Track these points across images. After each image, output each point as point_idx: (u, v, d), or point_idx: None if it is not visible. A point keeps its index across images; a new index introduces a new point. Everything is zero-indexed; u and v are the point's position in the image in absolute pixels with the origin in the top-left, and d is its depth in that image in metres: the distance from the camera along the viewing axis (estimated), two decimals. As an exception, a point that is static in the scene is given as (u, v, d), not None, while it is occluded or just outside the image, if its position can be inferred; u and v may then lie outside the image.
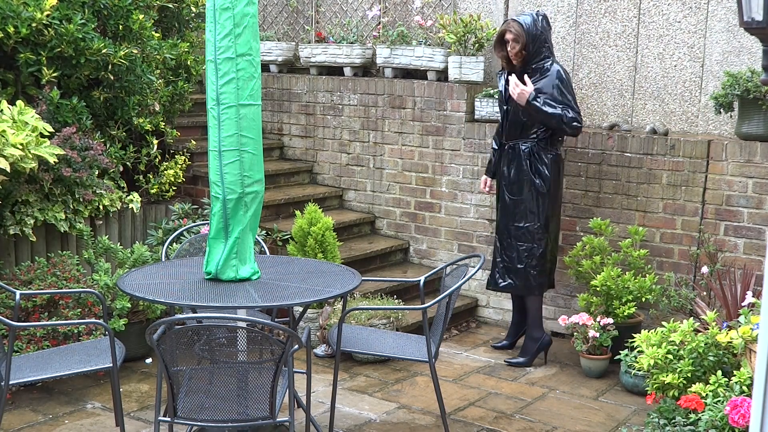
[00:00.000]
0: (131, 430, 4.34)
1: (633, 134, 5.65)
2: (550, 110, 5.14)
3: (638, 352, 4.37)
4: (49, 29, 5.07)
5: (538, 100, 5.14)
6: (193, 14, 6.47)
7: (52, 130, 4.90)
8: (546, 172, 5.31)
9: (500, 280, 5.45)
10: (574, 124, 5.18)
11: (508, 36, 5.25)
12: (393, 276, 6.24)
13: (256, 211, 3.85)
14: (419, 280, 4.53)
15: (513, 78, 5.21)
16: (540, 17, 5.24)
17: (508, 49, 5.27)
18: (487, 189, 5.69)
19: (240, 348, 3.49)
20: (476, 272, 4.14)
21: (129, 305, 4.96)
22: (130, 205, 5.64)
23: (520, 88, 5.15)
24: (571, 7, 6.12)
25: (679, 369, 4.08)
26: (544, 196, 5.31)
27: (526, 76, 5.20)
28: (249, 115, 3.75)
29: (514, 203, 5.35)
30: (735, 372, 3.87)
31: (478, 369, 5.35)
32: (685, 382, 4.05)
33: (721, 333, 4.07)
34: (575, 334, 5.22)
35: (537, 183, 5.29)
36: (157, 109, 5.86)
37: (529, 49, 5.21)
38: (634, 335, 4.37)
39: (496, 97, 5.54)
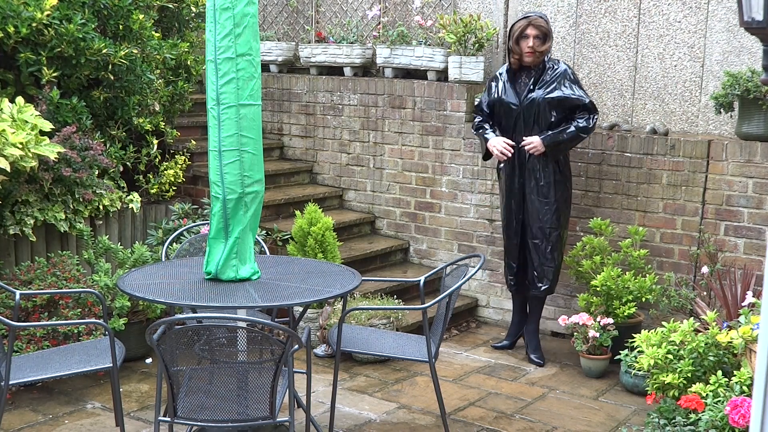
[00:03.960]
0: (131, 430, 4.34)
1: (633, 134, 5.65)
2: (562, 133, 5.17)
3: (638, 352, 4.37)
4: (49, 29, 5.07)
5: (546, 134, 5.18)
6: (193, 14, 6.47)
7: (51, 126, 4.89)
8: (567, 172, 5.40)
9: (539, 284, 5.39)
10: (594, 119, 5.20)
11: (532, 31, 5.19)
12: (393, 276, 6.24)
13: (256, 211, 3.85)
14: (419, 280, 4.53)
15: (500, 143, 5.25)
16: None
17: (529, 44, 5.19)
18: (510, 153, 5.31)
19: (240, 348, 3.49)
20: (476, 272, 4.14)
21: (129, 305, 4.97)
22: (130, 205, 5.64)
23: (530, 146, 5.18)
24: (571, 7, 6.12)
25: (679, 369, 4.08)
26: (569, 196, 5.41)
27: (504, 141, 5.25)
28: (249, 115, 3.75)
29: (544, 205, 5.30)
30: (735, 372, 3.88)
31: (478, 369, 5.35)
32: (685, 382, 4.05)
33: (721, 333, 4.07)
34: (575, 334, 5.22)
35: (565, 184, 5.36)
36: (157, 109, 5.86)
37: (550, 47, 5.26)
38: (634, 335, 4.37)
39: (494, 97, 5.40)
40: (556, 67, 5.26)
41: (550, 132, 5.20)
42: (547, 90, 5.21)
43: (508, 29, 6.39)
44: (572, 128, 5.17)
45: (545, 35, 5.22)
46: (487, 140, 5.37)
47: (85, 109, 5.37)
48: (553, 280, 5.40)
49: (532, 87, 5.26)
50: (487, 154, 5.50)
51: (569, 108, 5.22)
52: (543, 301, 5.52)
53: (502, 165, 5.42)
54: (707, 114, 5.71)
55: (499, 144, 5.31)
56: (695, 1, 5.69)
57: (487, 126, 5.42)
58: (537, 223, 5.33)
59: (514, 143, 5.31)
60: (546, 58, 5.27)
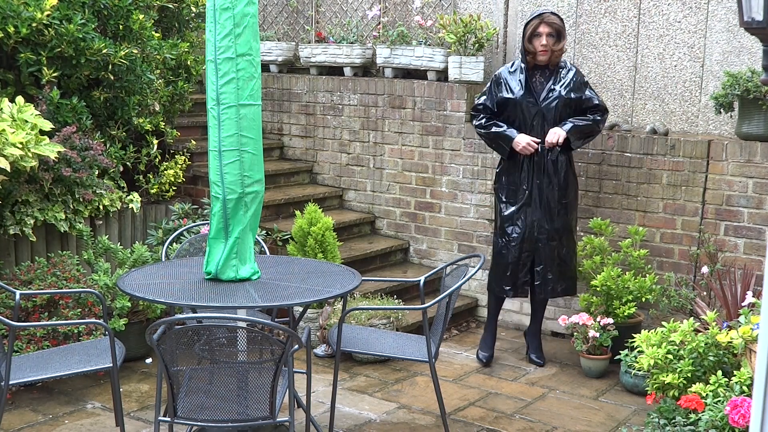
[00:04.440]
0: (131, 430, 4.34)
1: (633, 134, 5.65)
2: (582, 122, 5.18)
3: (638, 352, 4.37)
4: (50, 29, 5.07)
5: (566, 125, 5.15)
6: (193, 14, 6.47)
7: (51, 126, 4.89)
8: (575, 171, 5.39)
9: (558, 287, 5.29)
10: (606, 117, 5.29)
11: (545, 29, 5.05)
12: (393, 276, 6.24)
13: (256, 211, 3.85)
14: (419, 280, 4.53)
15: (526, 139, 5.14)
16: None
17: (542, 42, 5.05)
18: (535, 147, 5.17)
19: (240, 348, 3.49)
20: (476, 272, 4.14)
21: (129, 305, 4.97)
22: (130, 205, 5.64)
23: (555, 137, 5.10)
24: (571, 7, 6.12)
25: (679, 369, 4.08)
26: (578, 196, 5.42)
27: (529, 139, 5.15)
28: (249, 115, 3.75)
29: (565, 206, 5.26)
30: (735, 372, 3.88)
31: (478, 369, 5.35)
32: (685, 382, 4.05)
33: (721, 333, 4.07)
34: (575, 334, 5.22)
35: (576, 183, 5.37)
36: (157, 109, 5.86)
37: (565, 45, 5.19)
38: (634, 335, 4.37)
39: (508, 95, 5.18)
40: (567, 67, 5.24)
41: (566, 123, 5.17)
42: (566, 90, 5.16)
43: (507, 28, 6.41)
44: (590, 117, 5.20)
45: (558, 32, 5.09)
46: (511, 138, 5.17)
47: (85, 109, 5.37)
48: (573, 279, 5.36)
49: (552, 86, 5.15)
50: (510, 152, 5.25)
51: (582, 109, 5.21)
52: (546, 303, 5.50)
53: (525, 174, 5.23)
54: (707, 114, 5.71)
55: (528, 141, 5.15)
56: (695, 1, 5.69)
57: (502, 124, 5.22)
58: (554, 224, 5.21)
59: (539, 140, 5.17)
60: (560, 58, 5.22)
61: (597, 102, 5.22)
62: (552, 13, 5.14)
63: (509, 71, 5.28)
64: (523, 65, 5.20)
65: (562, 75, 5.20)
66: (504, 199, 5.32)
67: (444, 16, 6.35)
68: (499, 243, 5.34)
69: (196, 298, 3.65)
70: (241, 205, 3.79)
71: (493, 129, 5.25)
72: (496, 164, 5.50)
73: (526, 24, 5.16)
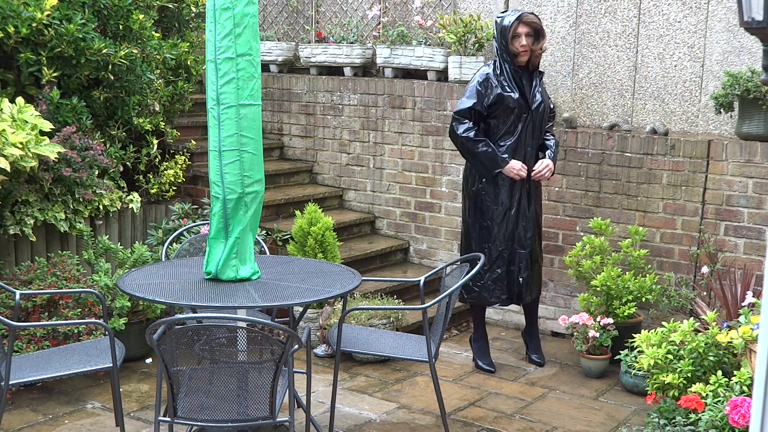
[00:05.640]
0: (131, 430, 4.34)
1: (633, 134, 5.65)
2: (555, 152, 5.23)
3: (638, 352, 4.37)
4: (50, 29, 5.07)
5: (550, 149, 5.17)
6: (193, 14, 6.47)
7: (51, 126, 4.89)
8: None
9: (529, 294, 5.26)
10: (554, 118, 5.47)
11: (523, 29, 4.91)
12: (393, 276, 6.24)
13: (256, 211, 3.85)
14: (419, 280, 4.53)
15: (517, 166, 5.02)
16: None
17: (522, 43, 4.91)
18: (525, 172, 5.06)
19: (240, 348, 3.49)
20: (476, 272, 4.13)
21: (129, 305, 4.97)
22: (130, 205, 5.64)
23: (546, 170, 5.08)
24: (571, 7, 6.12)
25: (679, 369, 4.08)
26: None
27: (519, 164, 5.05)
28: (249, 115, 3.75)
29: (539, 213, 5.27)
30: (735, 372, 3.88)
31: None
32: (685, 382, 4.05)
33: (721, 333, 4.07)
34: (575, 334, 5.22)
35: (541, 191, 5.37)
36: (157, 109, 5.86)
37: (545, 45, 5.11)
38: (634, 335, 4.37)
39: (505, 97, 4.96)
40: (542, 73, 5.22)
41: (549, 151, 5.16)
42: (544, 96, 5.10)
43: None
44: (554, 141, 5.24)
45: (537, 32, 4.95)
46: (506, 162, 4.98)
47: (85, 109, 5.37)
48: (540, 285, 5.41)
49: (536, 91, 5.05)
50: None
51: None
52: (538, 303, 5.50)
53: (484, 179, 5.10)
54: (707, 114, 5.71)
55: (521, 167, 5.02)
56: (695, 1, 5.69)
57: (490, 143, 4.98)
58: (530, 231, 5.17)
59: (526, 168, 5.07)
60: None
61: (553, 107, 5.34)
62: (530, 12, 5.01)
63: (495, 72, 5.01)
64: (509, 67, 4.99)
65: (539, 79, 5.10)
66: (491, 205, 5.11)
67: (444, 16, 6.35)
68: (488, 251, 5.14)
69: (196, 298, 3.65)
70: (241, 205, 3.79)
71: (483, 148, 4.97)
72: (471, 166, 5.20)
73: (503, 26, 4.96)
